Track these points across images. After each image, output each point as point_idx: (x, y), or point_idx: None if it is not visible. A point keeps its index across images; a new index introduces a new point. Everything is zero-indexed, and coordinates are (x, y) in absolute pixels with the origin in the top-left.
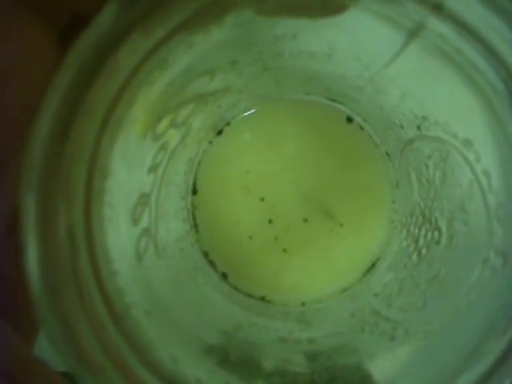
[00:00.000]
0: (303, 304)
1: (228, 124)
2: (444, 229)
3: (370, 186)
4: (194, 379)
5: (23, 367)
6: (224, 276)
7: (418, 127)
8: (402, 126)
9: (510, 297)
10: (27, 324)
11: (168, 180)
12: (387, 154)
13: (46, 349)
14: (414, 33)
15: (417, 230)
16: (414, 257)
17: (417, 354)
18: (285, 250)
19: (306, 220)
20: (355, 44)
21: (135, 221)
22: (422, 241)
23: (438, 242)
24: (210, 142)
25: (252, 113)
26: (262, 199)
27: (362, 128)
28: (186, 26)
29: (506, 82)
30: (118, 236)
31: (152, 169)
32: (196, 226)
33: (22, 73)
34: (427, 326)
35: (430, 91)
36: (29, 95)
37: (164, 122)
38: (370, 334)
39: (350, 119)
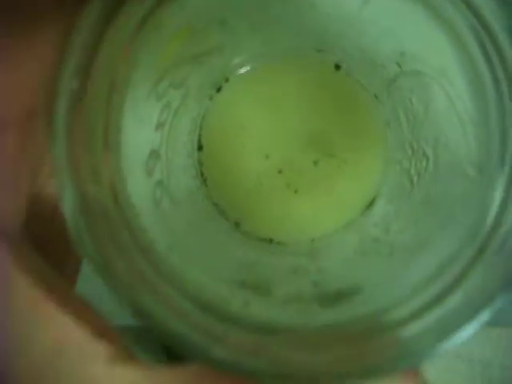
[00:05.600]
0: (312, 240)
1: (227, 80)
2: (430, 155)
3: (365, 127)
4: (218, 296)
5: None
6: (236, 225)
7: (398, 64)
8: (383, 66)
9: (485, 195)
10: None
11: (174, 138)
12: (376, 96)
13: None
14: None
15: (408, 163)
16: (408, 185)
17: (404, 265)
18: (296, 192)
19: (316, 163)
20: None
21: (149, 172)
22: (413, 170)
23: (426, 168)
24: (211, 99)
25: (246, 70)
26: (267, 156)
27: (348, 73)
28: None
29: (470, 21)
30: (136, 184)
31: (159, 126)
32: (205, 181)
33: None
34: (418, 239)
35: (404, 28)
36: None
37: (164, 82)
38: (370, 257)
39: (337, 66)
